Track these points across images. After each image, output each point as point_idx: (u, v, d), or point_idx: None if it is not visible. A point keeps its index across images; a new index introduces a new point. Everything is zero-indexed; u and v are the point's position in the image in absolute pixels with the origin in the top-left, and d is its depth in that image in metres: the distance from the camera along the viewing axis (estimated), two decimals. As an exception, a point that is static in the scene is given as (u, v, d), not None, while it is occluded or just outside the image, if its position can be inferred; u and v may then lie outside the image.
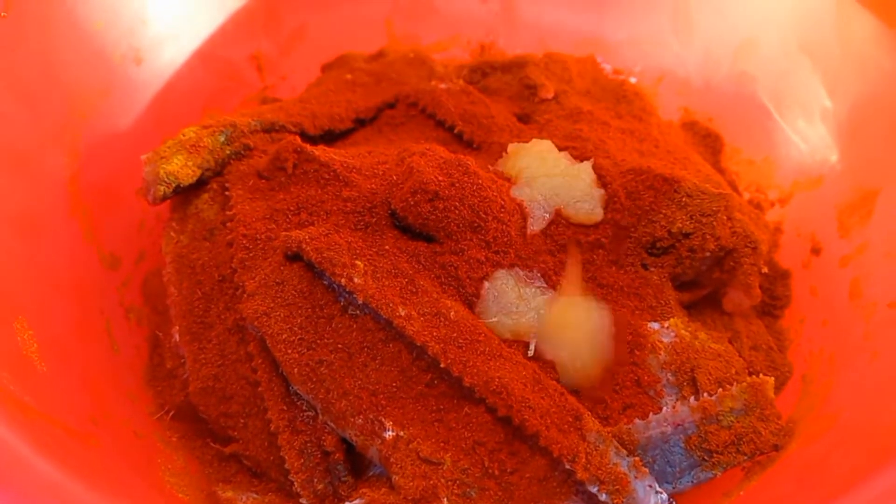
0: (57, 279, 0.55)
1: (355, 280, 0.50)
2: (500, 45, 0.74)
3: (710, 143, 0.67)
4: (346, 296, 0.51)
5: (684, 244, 0.54)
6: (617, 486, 0.46)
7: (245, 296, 0.52)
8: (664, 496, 0.47)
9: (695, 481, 0.49)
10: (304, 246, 0.51)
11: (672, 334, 0.52)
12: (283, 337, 0.50)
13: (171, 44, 0.67)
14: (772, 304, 0.61)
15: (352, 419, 0.49)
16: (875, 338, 0.53)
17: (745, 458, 0.49)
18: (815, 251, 0.60)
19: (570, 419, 0.48)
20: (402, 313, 0.49)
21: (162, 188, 0.56)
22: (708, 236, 0.54)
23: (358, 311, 0.50)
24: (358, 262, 0.51)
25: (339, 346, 0.50)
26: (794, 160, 0.64)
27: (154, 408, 0.56)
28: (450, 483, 0.46)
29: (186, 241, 0.57)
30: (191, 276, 0.56)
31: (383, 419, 0.48)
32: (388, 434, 0.48)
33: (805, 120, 0.63)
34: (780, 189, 0.64)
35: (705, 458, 0.49)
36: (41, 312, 0.52)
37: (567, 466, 0.46)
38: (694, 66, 0.68)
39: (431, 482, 0.46)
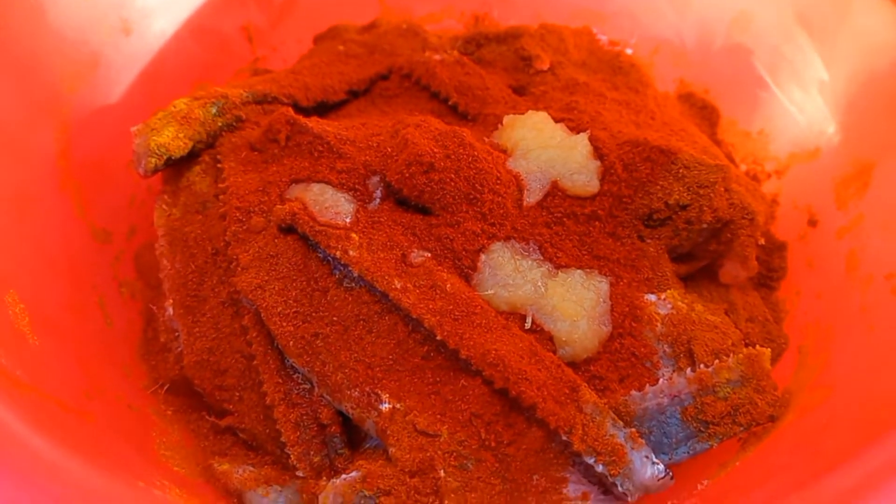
0: (48, 254, 0.55)
1: (350, 252, 0.50)
2: (495, 16, 0.73)
3: (706, 114, 0.66)
4: (342, 268, 0.50)
5: (681, 216, 0.54)
6: (613, 458, 0.46)
7: (239, 269, 0.52)
8: (661, 467, 0.47)
9: (691, 452, 0.49)
10: (298, 218, 0.51)
11: (668, 306, 0.52)
12: (278, 310, 0.50)
13: (161, 15, 0.66)
14: (768, 276, 0.61)
15: (348, 392, 0.49)
16: (872, 310, 0.53)
17: (742, 429, 0.49)
18: (812, 223, 0.60)
19: (567, 391, 0.47)
20: (398, 286, 0.49)
21: (153, 160, 0.56)
22: (705, 208, 0.53)
23: (353, 284, 0.50)
24: (353, 235, 0.50)
25: (335, 318, 0.50)
26: (790, 132, 0.64)
27: (148, 382, 0.56)
28: (446, 455, 0.46)
29: (179, 215, 0.57)
30: (184, 250, 0.55)
31: (379, 391, 0.48)
32: (385, 406, 0.48)
33: (801, 91, 0.63)
34: (777, 161, 0.64)
35: (701, 429, 0.49)
36: (33, 287, 0.52)
37: (564, 438, 0.46)
38: (690, 37, 0.67)
39: (428, 454, 0.46)
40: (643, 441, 0.48)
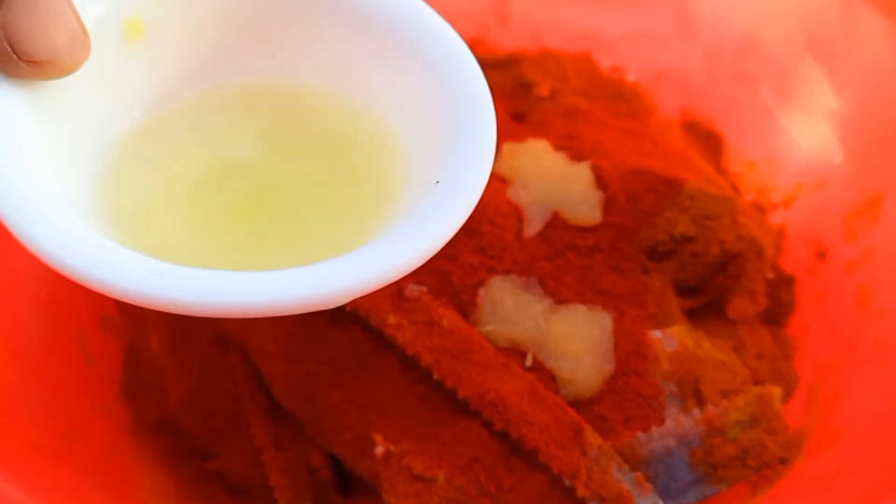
0: (26, 287, 0.53)
1: None
2: (492, 40, 0.72)
3: (710, 143, 0.65)
4: None
5: (687, 249, 0.52)
6: None
7: None
8: None
9: (699, 497, 0.47)
10: None
11: (675, 342, 0.51)
12: (267, 348, 0.48)
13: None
14: (776, 311, 0.59)
15: (339, 434, 0.47)
16: (885, 347, 0.51)
17: (752, 471, 0.47)
18: (821, 256, 0.59)
19: (571, 433, 0.46)
20: (393, 322, 0.47)
21: None
22: (711, 240, 0.52)
23: (346, 321, 0.48)
24: None
25: (327, 357, 0.48)
26: (797, 162, 0.62)
27: (130, 422, 0.54)
28: (443, 501, 0.45)
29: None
30: None
31: (373, 434, 0.46)
32: (379, 449, 0.46)
33: (809, 120, 0.62)
34: (784, 192, 0.63)
35: (710, 472, 0.47)
36: (9, 322, 0.50)
37: (567, 483, 0.44)
38: (694, 64, 0.66)
39: (424, 500, 0.45)
40: (650, 486, 0.46)
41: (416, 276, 0.49)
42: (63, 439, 0.47)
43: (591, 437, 0.46)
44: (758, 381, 0.52)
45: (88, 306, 0.58)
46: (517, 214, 0.53)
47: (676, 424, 0.47)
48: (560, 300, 0.51)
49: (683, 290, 0.54)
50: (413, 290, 0.49)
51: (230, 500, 0.51)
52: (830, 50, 0.60)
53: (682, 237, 0.52)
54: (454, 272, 0.50)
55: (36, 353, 0.51)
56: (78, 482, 0.45)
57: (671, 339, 0.51)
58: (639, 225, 0.52)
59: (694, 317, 0.55)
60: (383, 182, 0.39)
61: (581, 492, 0.44)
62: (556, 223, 0.53)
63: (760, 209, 0.63)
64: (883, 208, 0.56)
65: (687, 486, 0.47)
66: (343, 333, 0.48)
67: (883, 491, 0.41)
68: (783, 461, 0.48)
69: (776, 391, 0.49)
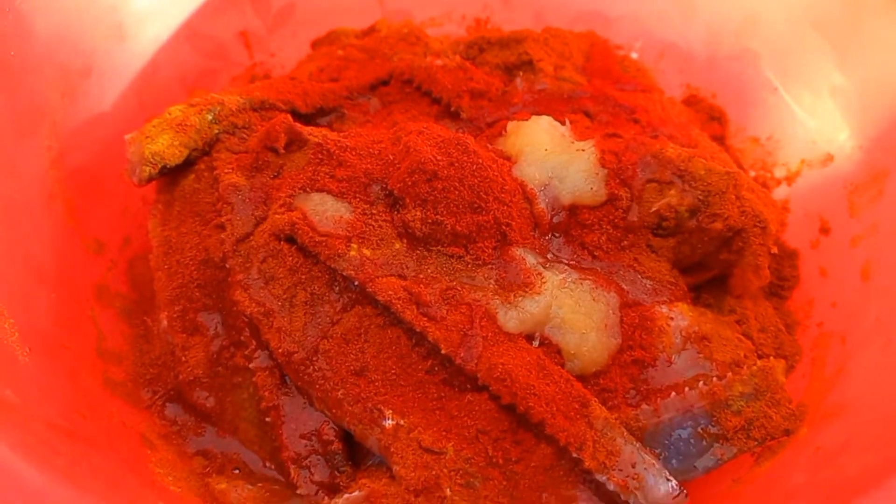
0: (39, 266, 0.53)
1: (351, 264, 0.48)
2: (496, 20, 0.72)
3: (714, 120, 0.65)
4: (342, 280, 0.49)
5: (691, 225, 0.52)
6: (626, 475, 0.45)
7: (236, 283, 0.50)
8: (674, 483, 0.46)
9: (704, 469, 0.47)
10: (297, 228, 0.49)
11: (680, 317, 0.51)
12: (277, 325, 0.48)
13: (156, 20, 0.65)
14: (779, 285, 0.59)
15: (349, 407, 0.47)
16: (888, 321, 0.51)
17: (756, 443, 0.48)
18: (824, 231, 0.59)
19: (577, 406, 0.46)
20: (401, 297, 0.48)
21: (147, 169, 0.54)
22: (715, 216, 0.52)
23: (354, 296, 0.49)
24: (353, 245, 0.49)
25: (336, 333, 0.48)
26: (801, 138, 0.62)
27: (143, 397, 0.54)
28: (452, 473, 0.45)
29: (174, 225, 0.55)
30: (179, 261, 0.53)
31: (382, 407, 0.47)
32: (388, 423, 0.46)
33: (812, 96, 0.62)
34: (787, 167, 0.63)
35: (715, 443, 0.47)
36: (22, 301, 0.50)
37: (574, 455, 0.45)
38: (697, 41, 0.66)
39: (433, 472, 0.45)
40: (656, 457, 0.46)
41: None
42: (78, 416, 0.47)
43: (598, 409, 0.46)
44: (762, 355, 0.53)
45: (101, 283, 0.58)
46: (523, 191, 0.53)
47: (682, 398, 0.48)
48: (566, 276, 0.51)
49: (688, 266, 0.54)
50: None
51: (241, 473, 0.51)
52: (834, 27, 0.60)
53: (686, 213, 0.52)
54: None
55: (49, 332, 0.51)
56: (92, 459, 0.45)
57: (676, 313, 0.51)
58: (643, 202, 0.52)
59: (699, 291, 0.55)
60: None
61: (588, 463, 0.45)
62: (561, 200, 0.53)
63: (764, 185, 0.63)
64: (887, 184, 0.56)
65: (692, 458, 0.47)
66: (351, 309, 0.48)
67: (887, 465, 0.41)
68: (788, 433, 0.48)
69: (780, 364, 0.49)
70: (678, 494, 0.45)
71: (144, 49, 0.64)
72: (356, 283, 0.48)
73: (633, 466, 0.45)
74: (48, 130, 0.57)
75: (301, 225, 0.49)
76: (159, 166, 0.54)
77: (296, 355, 0.48)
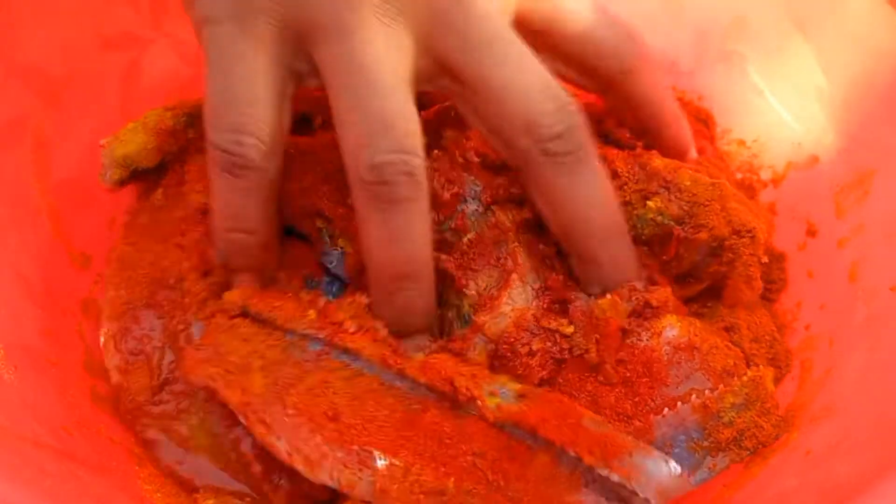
0: (24, 279, 0.53)
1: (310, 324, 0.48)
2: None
3: (701, 122, 0.65)
4: (300, 341, 0.48)
5: (676, 235, 0.52)
6: (625, 464, 0.44)
7: (191, 347, 0.48)
8: (674, 464, 0.45)
9: (698, 481, 0.48)
10: (249, 308, 0.49)
11: (669, 329, 0.50)
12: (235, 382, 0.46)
13: (141, 27, 0.64)
14: (767, 288, 0.59)
15: (331, 453, 0.44)
16: (876, 322, 0.52)
17: (748, 452, 0.48)
18: (811, 233, 0.59)
19: (566, 410, 0.46)
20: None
21: (118, 172, 0.54)
22: (701, 226, 0.52)
23: (319, 348, 0.47)
24: (310, 312, 0.48)
25: (300, 389, 0.46)
26: (787, 141, 0.62)
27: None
28: None
29: (133, 239, 0.55)
30: (131, 278, 0.53)
31: (370, 448, 0.44)
32: (381, 463, 0.44)
33: (798, 99, 0.62)
34: (773, 170, 0.63)
35: (708, 456, 0.48)
36: (7, 315, 0.50)
37: (572, 454, 0.44)
38: (683, 43, 0.66)
39: None
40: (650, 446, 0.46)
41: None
42: (64, 433, 0.47)
43: (586, 411, 0.46)
44: (752, 364, 0.53)
45: (87, 297, 0.58)
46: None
47: (674, 413, 0.48)
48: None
49: (679, 278, 0.54)
50: None
51: (228, 490, 0.50)
52: (819, 29, 0.60)
53: (671, 222, 0.52)
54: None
55: (34, 347, 0.51)
56: (79, 476, 0.44)
57: (665, 325, 0.50)
58: (628, 214, 0.52)
59: (691, 302, 0.56)
60: None
61: (587, 459, 0.44)
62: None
63: (750, 187, 0.63)
64: (873, 184, 0.56)
65: (686, 471, 0.47)
66: (316, 365, 0.47)
67: (877, 467, 0.41)
68: (777, 437, 0.49)
69: (768, 373, 0.50)
70: (679, 475, 0.45)
71: (129, 57, 0.64)
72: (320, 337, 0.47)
73: (631, 456, 0.44)
74: (32, 141, 0.57)
75: (253, 302, 0.49)
76: (130, 169, 0.54)
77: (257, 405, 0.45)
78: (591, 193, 0.48)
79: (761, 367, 0.50)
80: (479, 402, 0.45)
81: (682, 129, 0.59)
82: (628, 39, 0.55)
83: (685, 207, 0.52)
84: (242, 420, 0.45)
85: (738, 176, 0.64)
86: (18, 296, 0.52)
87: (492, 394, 0.46)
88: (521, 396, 0.46)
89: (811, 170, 0.61)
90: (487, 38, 0.46)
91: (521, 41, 0.47)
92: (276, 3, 0.45)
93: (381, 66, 0.45)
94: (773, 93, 0.63)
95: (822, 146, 0.60)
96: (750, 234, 0.53)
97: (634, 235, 0.52)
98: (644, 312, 0.50)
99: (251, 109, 0.46)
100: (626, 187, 0.52)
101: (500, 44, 0.47)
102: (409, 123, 0.45)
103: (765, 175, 0.63)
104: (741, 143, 0.65)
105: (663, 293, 0.51)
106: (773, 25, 0.62)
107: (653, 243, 0.53)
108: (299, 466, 0.44)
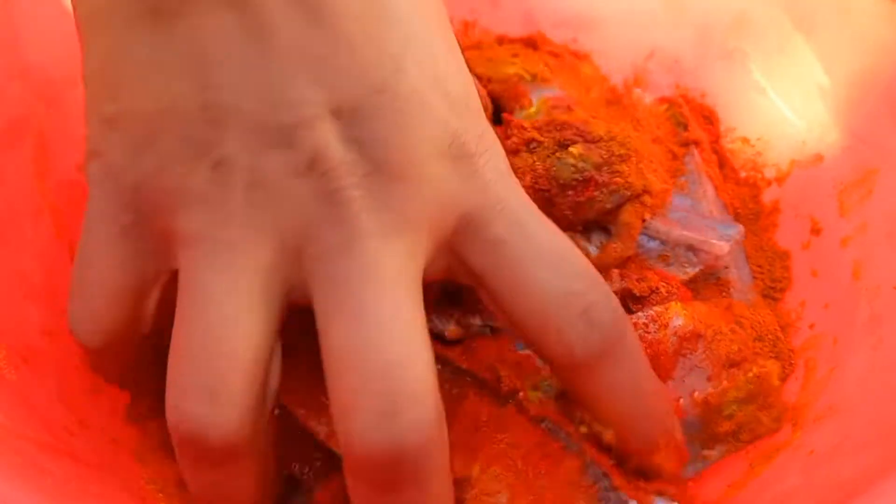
0: (25, 278, 0.53)
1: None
2: (484, 23, 0.72)
3: (705, 120, 0.65)
4: None
5: (593, 179, 0.51)
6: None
7: None
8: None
9: (693, 472, 0.48)
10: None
11: (675, 318, 0.50)
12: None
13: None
14: (771, 287, 0.59)
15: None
16: (881, 321, 0.51)
17: (744, 444, 0.49)
18: (815, 231, 0.59)
19: None
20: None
21: None
22: (617, 172, 0.51)
23: None
24: None
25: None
26: (790, 138, 0.62)
27: (132, 410, 0.53)
28: (478, 494, 0.43)
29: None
30: None
31: None
32: None
33: (802, 97, 0.62)
34: (777, 168, 0.63)
35: (704, 448, 0.49)
36: (8, 315, 0.50)
37: (600, 469, 0.44)
38: (685, 41, 0.66)
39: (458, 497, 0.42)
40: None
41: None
42: (66, 433, 0.47)
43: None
44: (756, 360, 0.52)
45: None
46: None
47: (677, 407, 0.48)
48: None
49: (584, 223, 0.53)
50: None
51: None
52: (822, 27, 0.60)
53: (591, 167, 0.51)
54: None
55: (36, 347, 0.51)
56: (81, 475, 0.44)
57: (672, 314, 0.50)
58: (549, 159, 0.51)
59: (694, 294, 0.55)
60: None
61: (616, 481, 0.44)
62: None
63: (754, 185, 0.63)
64: (877, 183, 0.56)
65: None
66: None
67: (881, 466, 0.41)
68: (776, 431, 0.50)
69: (774, 369, 0.50)
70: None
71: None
72: None
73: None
74: (33, 141, 0.57)
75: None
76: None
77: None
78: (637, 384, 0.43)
79: (768, 362, 0.50)
80: (520, 395, 0.45)
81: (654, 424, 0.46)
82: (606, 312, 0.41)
83: (604, 156, 0.51)
84: None
85: (743, 174, 0.64)
86: (20, 296, 0.52)
87: (535, 387, 0.46)
88: (563, 393, 0.46)
89: (815, 168, 0.61)
90: None
91: None
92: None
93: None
94: (776, 90, 0.63)
95: (826, 144, 0.60)
96: (647, 191, 0.53)
97: (552, 178, 0.51)
98: (651, 298, 0.50)
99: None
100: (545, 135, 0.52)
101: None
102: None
103: (769, 173, 0.63)
104: (745, 140, 0.65)
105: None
106: (776, 23, 0.62)
107: (568, 187, 0.51)
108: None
